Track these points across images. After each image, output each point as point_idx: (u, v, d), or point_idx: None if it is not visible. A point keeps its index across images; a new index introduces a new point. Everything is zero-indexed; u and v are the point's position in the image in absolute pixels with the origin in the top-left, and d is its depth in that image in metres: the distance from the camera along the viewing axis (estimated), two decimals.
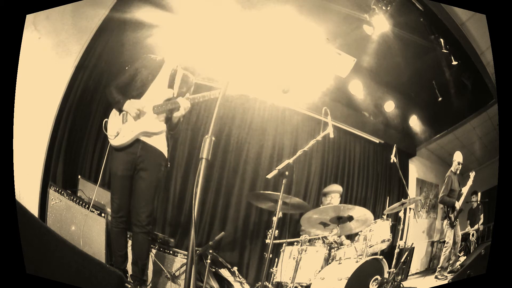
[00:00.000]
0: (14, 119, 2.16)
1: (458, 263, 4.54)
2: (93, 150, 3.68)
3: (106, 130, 2.77)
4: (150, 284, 3.03)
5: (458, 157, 4.80)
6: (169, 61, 2.87)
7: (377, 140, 5.65)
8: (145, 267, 2.78)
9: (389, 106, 5.21)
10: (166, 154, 2.80)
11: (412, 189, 5.80)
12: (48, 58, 3.13)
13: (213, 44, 3.82)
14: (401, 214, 4.06)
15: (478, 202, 5.02)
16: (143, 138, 2.71)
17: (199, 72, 3.29)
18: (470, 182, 4.67)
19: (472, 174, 4.69)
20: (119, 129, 2.72)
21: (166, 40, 3.09)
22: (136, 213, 2.68)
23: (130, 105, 2.70)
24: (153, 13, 3.52)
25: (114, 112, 2.81)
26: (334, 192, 4.10)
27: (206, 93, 2.67)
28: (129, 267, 2.77)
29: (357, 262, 2.95)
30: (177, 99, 2.69)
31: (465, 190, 4.71)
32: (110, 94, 2.77)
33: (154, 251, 3.13)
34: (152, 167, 2.72)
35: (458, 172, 4.76)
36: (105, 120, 2.80)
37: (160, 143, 2.77)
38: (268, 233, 3.20)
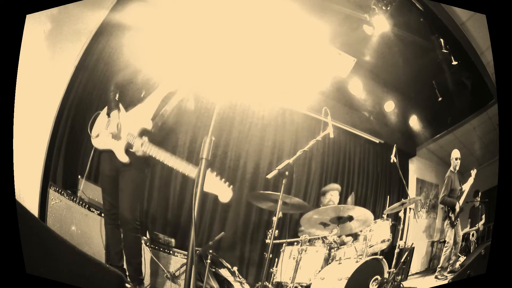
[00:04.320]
0: (14, 119, 2.17)
1: (458, 263, 4.53)
2: (93, 150, 3.67)
3: (92, 126, 2.81)
4: (149, 284, 3.03)
5: (455, 154, 4.80)
6: (165, 85, 2.81)
7: (377, 140, 5.64)
8: (139, 266, 2.78)
9: (389, 106, 5.21)
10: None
11: (412, 189, 5.79)
12: (48, 58, 3.13)
13: (212, 43, 3.82)
14: (401, 214, 4.05)
15: (479, 202, 5.02)
16: None
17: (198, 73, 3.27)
18: (471, 180, 4.66)
19: (473, 172, 4.68)
20: (100, 131, 2.75)
21: (167, 40, 3.09)
22: (121, 212, 2.68)
23: (114, 117, 2.69)
24: (153, 13, 3.52)
25: (104, 111, 2.82)
26: (333, 189, 4.13)
27: (158, 151, 2.55)
28: (126, 267, 2.78)
29: (357, 262, 2.95)
30: (134, 142, 2.60)
31: (466, 187, 4.69)
32: (109, 90, 2.79)
33: (154, 251, 3.13)
34: (132, 171, 2.70)
35: (457, 168, 4.74)
36: (96, 113, 2.83)
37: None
38: (268, 233, 3.20)
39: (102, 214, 3.00)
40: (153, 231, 3.45)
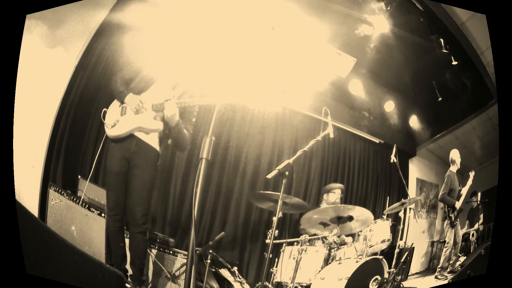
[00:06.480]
0: (14, 119, 2.17)
1: (458, 263, 4.53)
2: (93, 150, 3.68)
3: (104, 119, 2.78)
4: (150, 284, 3.03)
5: (454, 153, 4.81)
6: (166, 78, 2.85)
7: (377, 140, 5.65)
8: (143, 267, 2.77)
9: (389, 106, 5.22)
10: (159, 152, 2.80)
11: (412, 189, 5.80)
12: (48, 58, 3.14)
13: (212, 44, 3.82)
14: (401, 214, 4.05)
15: (478, 202, 5.02)
16: (137, 134, 2.71)
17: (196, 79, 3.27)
18: (470, 182, 4.66)
19: (471, 174, 4.68)
20: (117, 120, 2.72)
21: (166, 41, 3.09)
22: (131, 212, 2.66)
23: (131, 99, 2.70)
24: (153, 14, 3.52)
25: (115, 103, 2.81)
26: (337, 188, 4.16)
27: (196, 98, 2.66)
28: (128, 267, 2.77)
29: (357, 262, 2.95)
30: (164, 102, 2.67)
31: (464, 190, 4.70)
32: (115, 83, 2.79)
33: (154, 251, 3.13)
34: (145, 164, 2.70)
35: (459, 165, 4.74)
36: (104, 109, 2.80)
37: (154, 141, 2.77)
38: (268, 233, 3.20)
39: (103, 214, 3.01)
40: (153, 231, 3.46)
